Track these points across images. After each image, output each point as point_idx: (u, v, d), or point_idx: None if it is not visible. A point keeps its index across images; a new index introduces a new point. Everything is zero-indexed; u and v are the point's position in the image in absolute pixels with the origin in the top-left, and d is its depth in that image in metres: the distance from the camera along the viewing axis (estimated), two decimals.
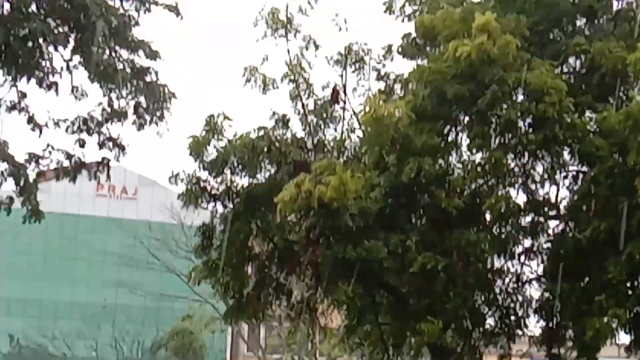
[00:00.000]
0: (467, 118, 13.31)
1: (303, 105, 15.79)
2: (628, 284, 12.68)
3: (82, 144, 14.43)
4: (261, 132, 15.28)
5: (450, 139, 13.57)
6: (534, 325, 14.35)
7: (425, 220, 12.86)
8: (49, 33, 13.53)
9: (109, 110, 14.44)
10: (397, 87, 15.66)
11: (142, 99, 14.37)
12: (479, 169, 13.27)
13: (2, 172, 14.16)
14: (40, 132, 14.05)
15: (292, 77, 15.59)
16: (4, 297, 46.55)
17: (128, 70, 14.20)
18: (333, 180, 11.99)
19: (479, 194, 12.95)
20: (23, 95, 14.05)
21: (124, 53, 14.27)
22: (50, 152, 14.31)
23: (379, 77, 15.85)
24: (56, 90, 14.08)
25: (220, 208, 16.00)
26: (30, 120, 14.08)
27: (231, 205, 15.76)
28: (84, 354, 47.68)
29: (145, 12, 13.95)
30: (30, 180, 14.21)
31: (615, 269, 12.07)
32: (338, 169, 12.26)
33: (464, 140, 13.70)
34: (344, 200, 11.95)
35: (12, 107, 13.96)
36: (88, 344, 47.43)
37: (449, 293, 12.39)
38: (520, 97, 13.05)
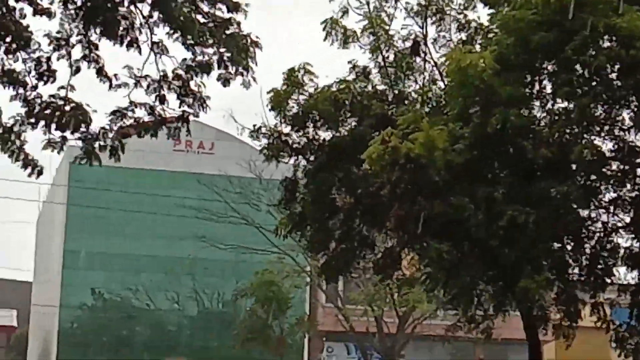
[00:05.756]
0: (552, 66, 13.10)
1: (383, 57, 15.73)
2: None
3: (162, 99, 14.46)
4: (342, 86, 15.30)
5: (535, 88, 13.41)
6: (623, 275, 14.25)
7: (511, 172, 12.73)
8: None
9: (193, 65, 14.42)
10: (479, 37, 15.50)
11: (225, 52, 14.33)
12: (564, 117, 13.11)
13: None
14: (111, 83, 14.03)
15: (372, 30, 15.54)
16: (87, 251, 47.52)
17: (210, 24, 14.16)
18: (420, 137, 11.93)
19: (565, 144, 12.77)
20: (94, 45, 14.01)
21: (204, 7, 14.23)
22: (133, 110, 14.35)
23: (460, 28, 15.70)
24: (138, 48, 14.07)
25: (302, 162, 16.14)
26: (100, 71, 14.07)
27: (313, 159, 15.87)
28: (165, 306, 48.50)
29: None
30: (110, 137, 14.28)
31: None
32: (424, 125, 12.19)
33: (549, 89, 13.56)
34: (431, 156, 11.91)
35: (82, 58, 13.92)
36: (169, 296, 48.24)
37: (537, 245, 12.29)
38: (607, 44, 12.82)
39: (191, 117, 14.70)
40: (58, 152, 13.96)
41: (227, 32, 14.03)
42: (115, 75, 13.96)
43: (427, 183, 12.30)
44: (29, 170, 13.92)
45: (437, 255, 12.47)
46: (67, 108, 13.66)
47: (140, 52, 13.94)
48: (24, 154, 13.96)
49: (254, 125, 15.91)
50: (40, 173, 14.02)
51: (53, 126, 13.66)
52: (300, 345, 43.57)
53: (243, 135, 16.79)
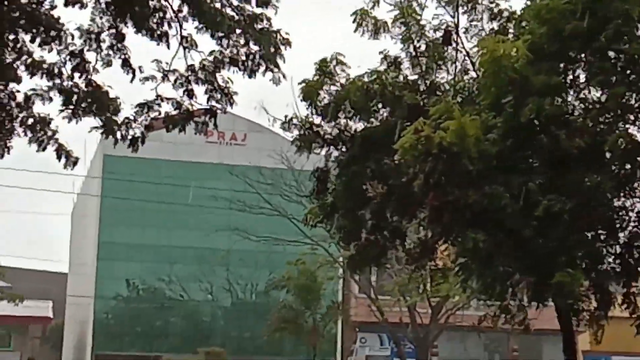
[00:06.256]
0: (586, 55, 13.03)
1: (415, 47, 15.66)
2: None
3: (190, 94, 14.52)
4: (374, 76, 15.27)
5: (568, 77, 13.33)
6: None
7: (544, 162, 12.67)
8: None
9: (220, 58, 14.45)
10: (511, 25, 15.42)
11: (254, 47, 14.35)
12: (599, 106, 13.02)
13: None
14: (133, 75, 14.08)
15: (404, 20, 15.48)
16: (121, 242, 47.88)
17: (237, 17, 14.18)
18: (452, 125, 11.88)
19: (599, 133, 12.68)
20: (121, 36, 14.09)
21: (234, 1, 14.26)
22: (159, 104, 14.44)
23: (492, 17, 15.62)
24: (167, 42, 14.13)
25: (334, 152, 16.14)
26: (125, 62, 14.15)
27: (345, 149, 15.86)
28: (199, 297, 48.84)
29: None
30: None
31: None
32: (456, 113, 12.13)
33: (583, 78, 13.48)
34: (464, 144, 11.86)
35: (109, 47, 14.00)
36: (203, 287, 48.56)
37: (571, 235, 12.23)
38: None
39: (219, 111, 14.77)
40: (76, 123, 14.07)
41: (257, 26, 14.06)
42: (140, 67, 14.06)
43: (461, 173, 12.24)
44: (63, 161, 14.06)
45: (474, 246, 12.40)
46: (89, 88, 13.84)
47: (168, 47, 14.02)
48: (58, 144, 14.08)
49: (285, 116, 15.92)
50: (75, 164, 14.14)
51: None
52: (333, 335, 43.71)
53: (274, 127, 16.82)
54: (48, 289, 59.86)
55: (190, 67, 14.25)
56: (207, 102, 14.48)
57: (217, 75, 14.39)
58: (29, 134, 13.96)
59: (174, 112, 14.43)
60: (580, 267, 12.82)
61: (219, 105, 14.52)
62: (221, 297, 48.93)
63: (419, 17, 15.59)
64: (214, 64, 14.38)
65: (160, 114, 14.39)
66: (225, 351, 41.55)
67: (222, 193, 43.18)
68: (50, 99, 13.80)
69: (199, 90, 14.50)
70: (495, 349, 44.55)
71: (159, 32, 14.01)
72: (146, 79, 14.17)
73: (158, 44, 14.09)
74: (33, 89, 13.75)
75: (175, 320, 49.10)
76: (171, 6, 13.99)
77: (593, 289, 13.41)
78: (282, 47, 14.13)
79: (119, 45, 14.00)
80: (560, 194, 11.99)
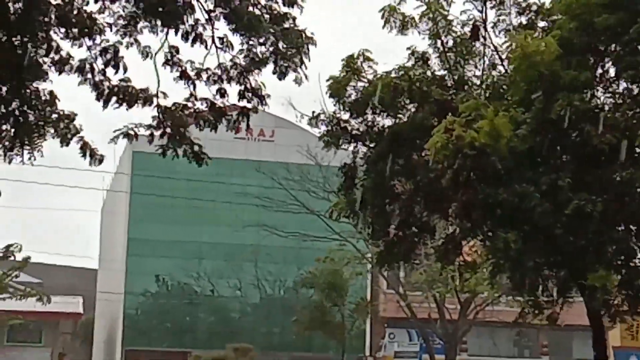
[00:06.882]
0: (616, 49, 12.90)
1: (442, 43, 15.59)
2: None
3: (222, 93, 14.54)
4: (401, 72, 15.22)
5: (598, 72, 13.22)
6: None
7: (574, 158, 12.56)
8: None
9: (250, 57, 14.45)
10: (539, 19, 15.30)
11: (281, 46, 14.34)
12: (629, 101, 12.90)
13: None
14: (194, 86, 14.20)
15: (431, 15, 15.41)
16: (151, 239, 48.02)
17: (266, 17, 14.16)
18: (485, 125, 11.78)
19: (629, 128, 12.56)
20: (176, 50, 14.16)
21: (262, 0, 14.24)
22: (194, 103, 14.46)
23: (520, 11, 15.51)
24: (203, 43, 14.14)
25: (361, 148, 16.13)
26: (182, 75, 14.23)
27: (372, 145, 15.84)
28: (228, 293, 48.94)
29: None
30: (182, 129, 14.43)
31: None
32: (489, 114, 12.03)
33: (612, 73, 13.36)
34: (496, 144, 11.77)
35: (165, 62, 14.07)
36: (232, 283, 48.65)
37: (602, 233, 12.12)
38: None
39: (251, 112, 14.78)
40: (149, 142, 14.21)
41: (284, 25, 14.03)
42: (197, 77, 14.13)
43: (490, 170, 12.17)
44: (88, 158, 14.09)
45: (505, 245, 12.32)
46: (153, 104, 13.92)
47: (206, 47, 14.02)
48: (83, 141, 14.12)
49: (313, 112, 15.94)
50: (100, 161, 14.16)
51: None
52: (362, 331, 43.66)
53: (302, 122, 16.83)
54: (78, 285, 60.21)
55: (222, 65, 14.26)
56: (239, 101, 14.51)
57: (249, 76, 14.39)
58: (53, 130, 14.00)
59: (205, 110, 14.45)
60: (612, 264, 12.72)
61: (249, 106, 14.53)
62: (250, 293, 48.98)
63: (446, 13, 15.52)
64: (245, 63, 14.38)
65: (194, 112, 14.45)
66: (254, 347, 41.60)
67: (250, 189, 43.20)
68: (136, 136, 13.94)
69: (231, 90, 14.53)
70: (525, 345, 44.34)
71: (193, 35, 14.03)
72: (180, 77, 14.23)
73: (192, 46, 14.13)
74: (129, 127, 13.86)
75: (204, 316, 49.23)
76: (203, 7, 13.98)
77: (623, 285, 13.30)
78: (307, 47, 14.09)
79: (175, 59, 14.07)
80: (591, 191, 11.88)
